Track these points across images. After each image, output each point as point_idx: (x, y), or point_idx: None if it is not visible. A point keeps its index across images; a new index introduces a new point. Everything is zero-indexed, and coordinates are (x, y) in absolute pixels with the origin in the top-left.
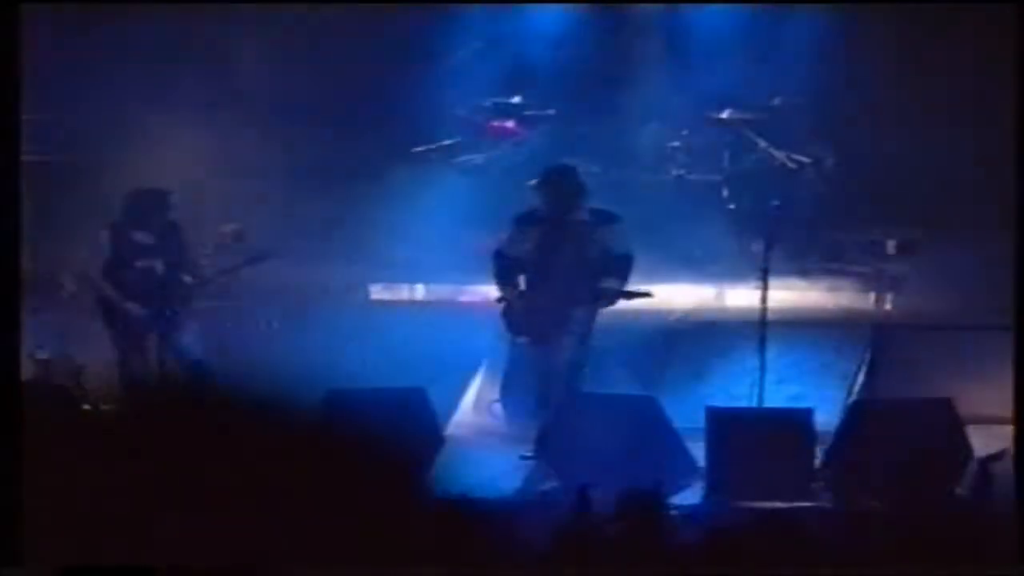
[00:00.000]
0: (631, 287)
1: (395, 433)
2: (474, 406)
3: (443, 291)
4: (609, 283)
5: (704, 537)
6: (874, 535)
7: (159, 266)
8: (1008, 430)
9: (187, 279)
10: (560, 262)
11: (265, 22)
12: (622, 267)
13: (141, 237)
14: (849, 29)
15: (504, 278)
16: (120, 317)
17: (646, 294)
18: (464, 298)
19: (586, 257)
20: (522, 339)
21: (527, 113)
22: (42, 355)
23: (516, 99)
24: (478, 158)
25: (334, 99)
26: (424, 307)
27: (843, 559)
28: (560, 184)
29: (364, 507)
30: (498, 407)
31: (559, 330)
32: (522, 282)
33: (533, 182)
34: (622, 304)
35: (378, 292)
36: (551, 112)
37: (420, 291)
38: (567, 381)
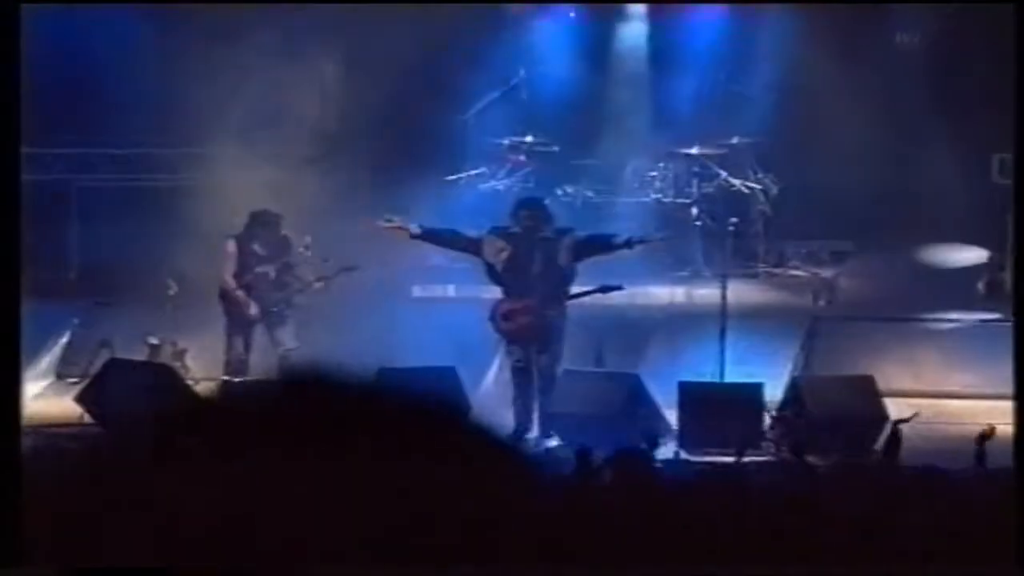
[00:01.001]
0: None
1: (432, 402)
2: (495, 380)
3: (469, 290)
4: (576, 284)
5: (677, 485)
6: (811, 482)
7: (272, 272)
8: (917, 401)
9: (294, 284)
10: (534, 269)
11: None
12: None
13: (258, 248)
14: (790, 82)
15: (441, 235)
16: (239, 311)
17: (618, 287)
18: (486, 296)
19: (557, 264)
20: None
21: (536, 149)
22: (153, 340)
23: (528, 138)
24: (498, 184)
25: (385, 136)
26: (454, 303)
27: (789, 505)
28: (534, 210)
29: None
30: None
31: (539, 323)
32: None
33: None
34: (611, 300)
35: (418, 291)
36: (555, 148)
37: (451, 290)
38: (547, 369)
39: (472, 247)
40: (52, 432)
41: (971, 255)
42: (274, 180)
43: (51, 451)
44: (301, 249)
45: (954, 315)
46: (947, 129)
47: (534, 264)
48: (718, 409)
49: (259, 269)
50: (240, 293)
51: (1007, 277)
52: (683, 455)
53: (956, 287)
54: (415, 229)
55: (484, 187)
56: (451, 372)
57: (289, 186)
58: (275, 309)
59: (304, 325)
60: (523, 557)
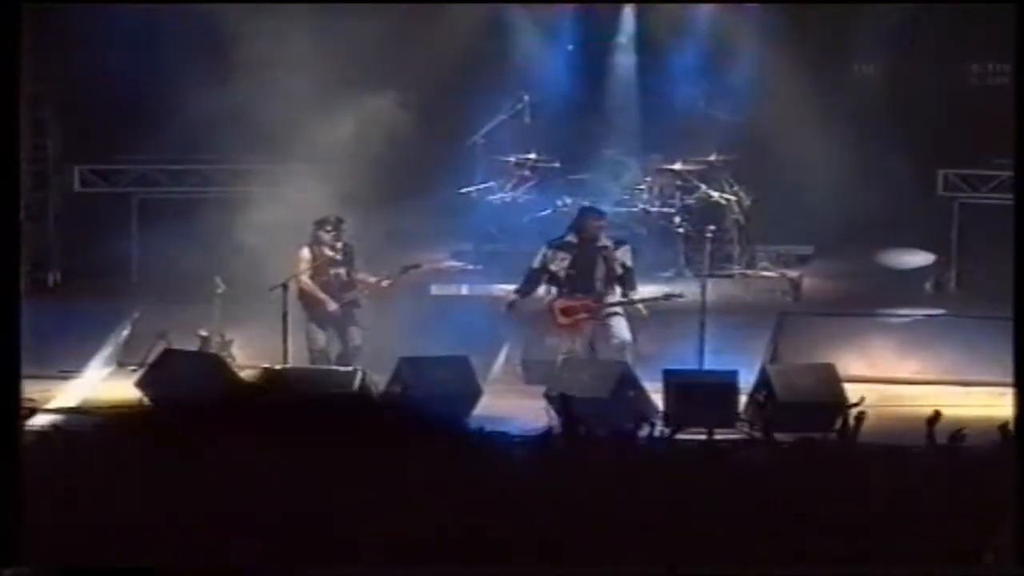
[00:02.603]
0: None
1: (448, 388)
2: (502, 369)
3: (482, 289)
4: (631, 288)
5: (663, 460)
6: (779, 456)
7: (344, 273)
8: (872, 386)
9: (361, 284)
10: (596, 274)
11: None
12: (633, 276)
13: (329, 252)
14: (761, 106)
15: (526, 285)
16: (321, 309)
17: (679, 295)
18: (496, 294)
19: (614, 269)
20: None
21: (539, 165)
22: (203, 332)
23: (531, 155)
24: (506, 196)
25: (402, 161)
26: (469, 300)
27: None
28: (590, 219)
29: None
30: (519, 369)
31: (596, 321)
32: (543, 290)
33: (575, 217)
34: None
35: (436, 290)
36: (556, 164)
37: (465, 289)
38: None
39: (543, 273)
40: (112, 414)
41: (919, 258)
42: (310, 195)
43: (52, 452)
44: (334, 252)
45: (905, 311)
46: (899, 148)
47: (596, 269)
48: (698, 393)
49: (333, 271)
50: (320, 293)
51: (951, 277)
52: (667, 433)
53: (906, 286)
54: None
55: (493, 199)
56: (464, 361)
57: (322, 200)
58: (348, 307)
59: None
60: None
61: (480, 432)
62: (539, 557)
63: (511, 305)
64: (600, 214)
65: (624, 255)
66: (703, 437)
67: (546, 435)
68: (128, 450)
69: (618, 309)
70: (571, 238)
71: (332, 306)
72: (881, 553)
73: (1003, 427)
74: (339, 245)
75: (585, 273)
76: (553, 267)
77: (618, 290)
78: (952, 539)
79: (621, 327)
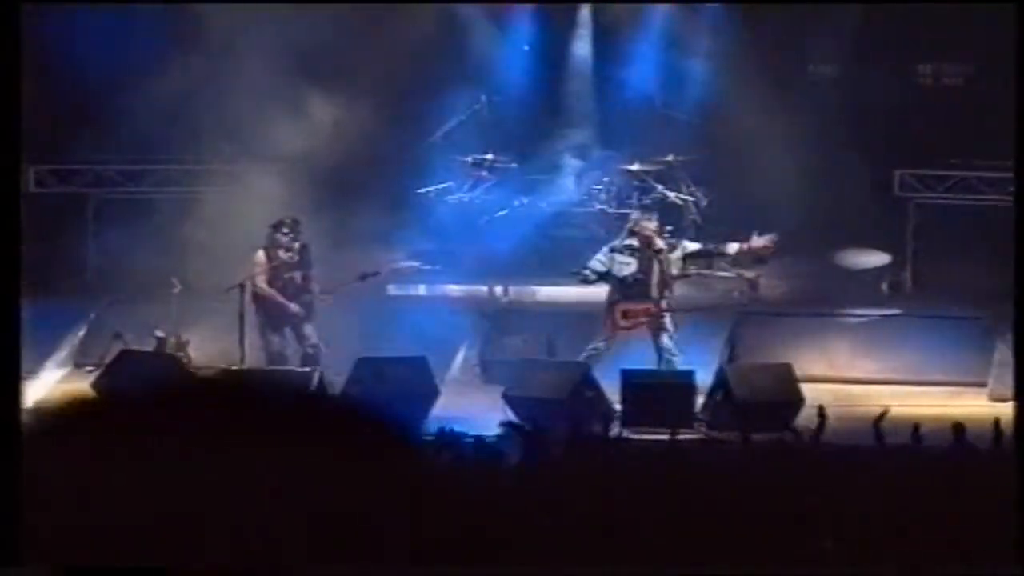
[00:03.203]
0: None
1: (406, 388)
2: (461, 369)
3: (439, 290)
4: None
5: (621, 459)
6: (738, 456)
7: (299, 277)
8: (829, 386)
9: (316, 288)
10: (652, 279)
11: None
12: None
13: (284, 255)
14: (718, 108)
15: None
16: (277, 312)
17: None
18: (454, 294)
19: (669, 272)
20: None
21: (497, 165)
22: (159, 333)
23: (489, 156)
24: (464, 196)
25: (360, 161)
26: (427, 300)
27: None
28: (643, 222)
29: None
30: (477, 369)
31: (654, 324)
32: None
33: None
34: (563, 298)
35: (394, 290)
36: (513, 165)
37: (423, 289)
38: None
39: (605, 272)
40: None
41: (875, 259)
42: (266, 194)
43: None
44: (290, 254)
45: (861, 311)
46: (855, 149)
47: (652, 274)
48: (656, 394)
49: (288, 274)
50: (276, 296)
51: (907, 278)
52: (625, 434)
53: (863, 286)
54: (591, 276)
55: (451, 199)
56: (422, 361)
57: (278, 200)
58: (303, 309)
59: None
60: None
61: (438, 432)
62: (495, 558)
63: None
64: (651, 214)
65: (679, 256)
66: (660, 438)
67: (505, 437)
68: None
69: (668, 315)
70: (631, 241)
71: (292, 308)
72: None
73: (957, 426)
74: (296, 246)
75: (640, 278)
76: (616, 272)
77: (676, 291)
78: (915, 539)
79: (668, 334)
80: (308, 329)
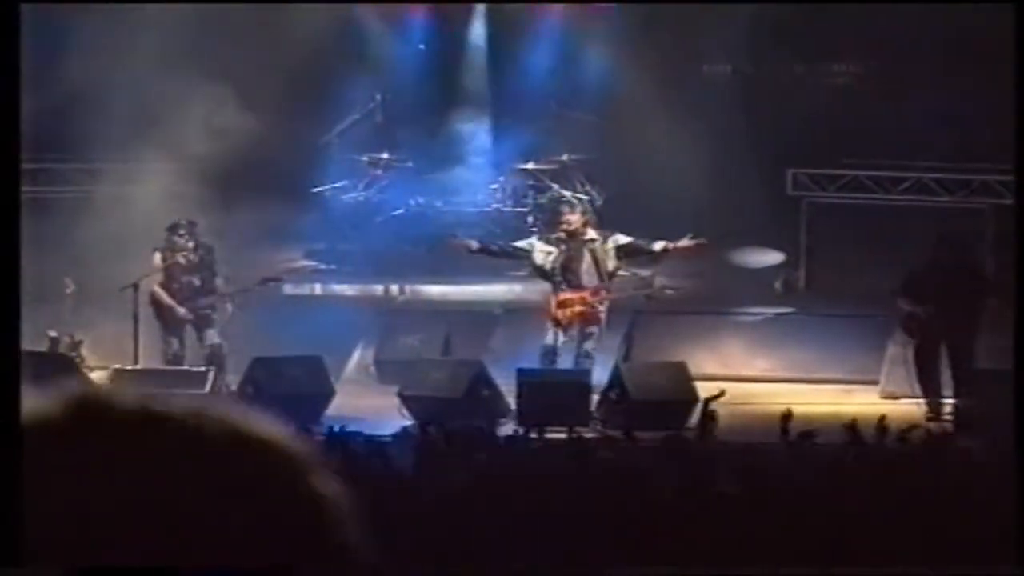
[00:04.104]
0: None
1: (300, 388)
2: (356, 368)
3: (335, 289)
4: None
5: (516, 458)
6: (633, 455)
7: (196, 280)
8: (723, 384)
9: (220, 289)
10: (582, 267)
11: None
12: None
13: (181, 258)
14: (613, 106)
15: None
16: (171, 316)
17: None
18: (349, 294)
19: (603, 263)
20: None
21: (392, 164)
22: (52, 333)
23: (384, 155)
24: (360, 195)
25: (255, 160)
26: (321, 300)
27: (618, 475)
28: (582, 215)
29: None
30: (373, 369)
31: (589, 313)
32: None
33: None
34: (458, 296)
35: (290, 289)
36: (409, 164)
37: (318, 289)
38: (590, 351)
39: (522, 254)
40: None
41: (769, 257)
42: (161, 194)
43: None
44: (186, 254)
45: (755, 309)
46: (749, 148)
47: (583, 263)
48: (552, 392)
49: (185, 277)
50: (170, 300)
51: (800, 276)
52: (521, 432)
53: (756, 285)
54: (474, 245)
55: (347, 198)
56: (317, 361)
57: (174, 199)
58: (204, 312)
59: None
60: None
61: (333, 432)
62: (390, 561)
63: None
64: (573, 205)
65: (612, 248)
66: (556, 436)
67: (400, 436)
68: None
69: (603, 310)
70: (559, 233)
71: (180, 312)
72: (741, 552)
73: (850, 426)
74: (191, 245)
75: (571, 267)
76: (540, 261)
77: (611, 281)
78: (820, 536)
79: (592, 333)
80: (209, 332)
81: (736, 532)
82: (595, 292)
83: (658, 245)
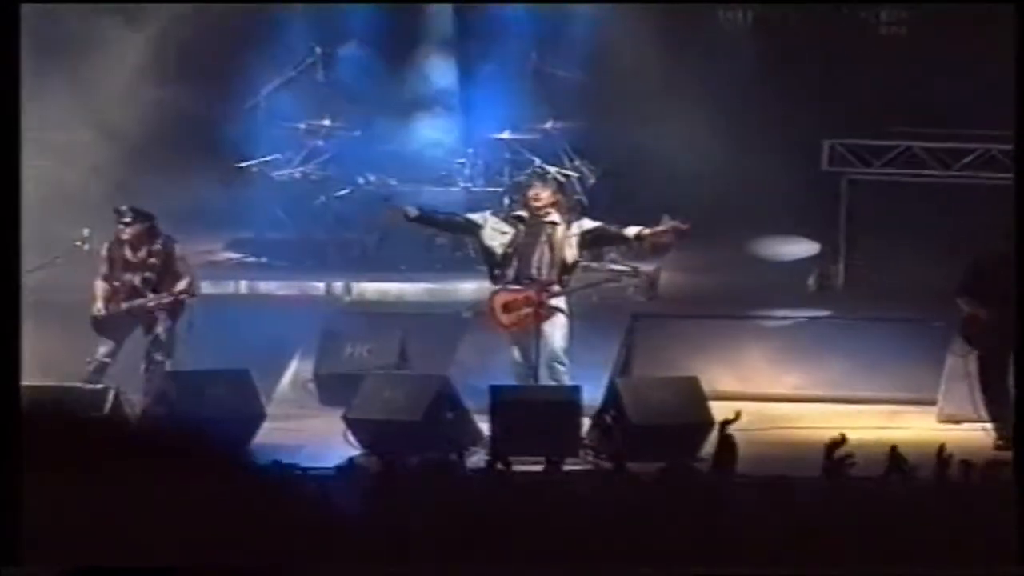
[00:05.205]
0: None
1: (223, 408)
2: (291, 385)
3: (265, 287)
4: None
5: (488, 495)
6: (634, 493)
7: (137, 279)
8: (743, 404)
9: (160, 291)
10: (536, 256)
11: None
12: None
13: (128, 254)
14: (609, 62)
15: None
16: (107, 320)
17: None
18: (282, 292)
19: (561, 252)
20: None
21: (335, 133)
22: None
23: (326, 121)
24: (295, 172)
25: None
26: (249, 301)
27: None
28: (544, 190)
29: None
30: (312, 386)
31: (542, 315)
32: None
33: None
34: (415, 295)
35: (209, 287)
36: (356, 133)
37: (244, 287)
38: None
39: (471, 228)
40: None
41: (801, 247)
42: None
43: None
44: (78, 243)
45: (783, 312)
46: (775, 113)
47: (537, 251)
48: (533, 414)
49: (126, 276)
50: (100, 298)
51: (838, 271)
52: (496, 464)
53: (785, 281)
54: (412, 212)
55: (279, 175)
56: (244, 376)
57: (72, 180)
58: (138, 317)
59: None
60: None
61: (264, 464)
62: None
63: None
64: (545, 179)
65: (576, 234)
66: (539, 469)
67: (346, 468)
68: None
69: (562, 304)
70: (521, 212)
71: (102, 312)
72: None
73: (893, 451)
74: (141, 245)
75: (523, 255)
76: (489, 242)
77: (567, 278)
78: None
79: (556, 331)
80: (156, 345)
81: None
82: (540, 291)
83: (631, 231)
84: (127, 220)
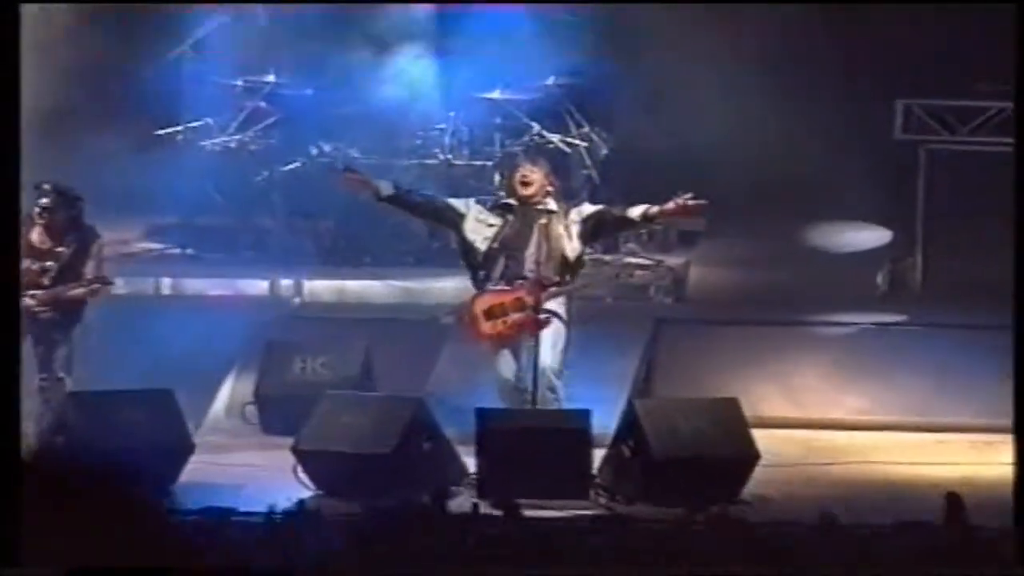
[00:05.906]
0: None
1: (140, 439)
2: (226, 410)
3: (194, 285)
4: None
5: (474, 547)
6: (656, 543)
7: (36, 267)
8: (793, 433)
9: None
10: (529, 252)
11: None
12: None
13: (36, 237)
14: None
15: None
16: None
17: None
18: (216, 292)
19: (559, 245)
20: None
21: (281, 92)
22: None
23: (270, 77)
24: (231, 140)
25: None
26: (173, 303)
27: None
28: (534, 172)
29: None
30: (252, 410)
31: (536, 322)
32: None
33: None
34: (385, 297)
35: (123, 285)
36: (307, 91)
37: (166, 285)
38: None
39: (451, 217)
40: None
41: (867, 236)
42: None
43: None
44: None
45: (844, 317)
46: (835, 70)
47: (530, 246)
48: (530, 445)
49: (33, 264)
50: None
51: (915, 265)
52: (483, 509)
53: (847, 279)
54: (387, 189)
55: (210, 144)
56: (167, 397)
57: None
58: (43, 315)
59: None
60: None
61: (193, 508)
62: None
63: None
64: (535, 157)
65: (576, 222)
66: (538, 515)
67: (296, 514)
68: None
69: (560, 309)
70: (509, 200)
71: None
72: None
73: (951, 497)
74: (45, 216)
75: (512, 251)
76: (471, 235)
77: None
78: None
79: (546, 343)
80: (57, 351)
81: None
82: (533, 291)
83: (635, 211)
84: (45, 202)
